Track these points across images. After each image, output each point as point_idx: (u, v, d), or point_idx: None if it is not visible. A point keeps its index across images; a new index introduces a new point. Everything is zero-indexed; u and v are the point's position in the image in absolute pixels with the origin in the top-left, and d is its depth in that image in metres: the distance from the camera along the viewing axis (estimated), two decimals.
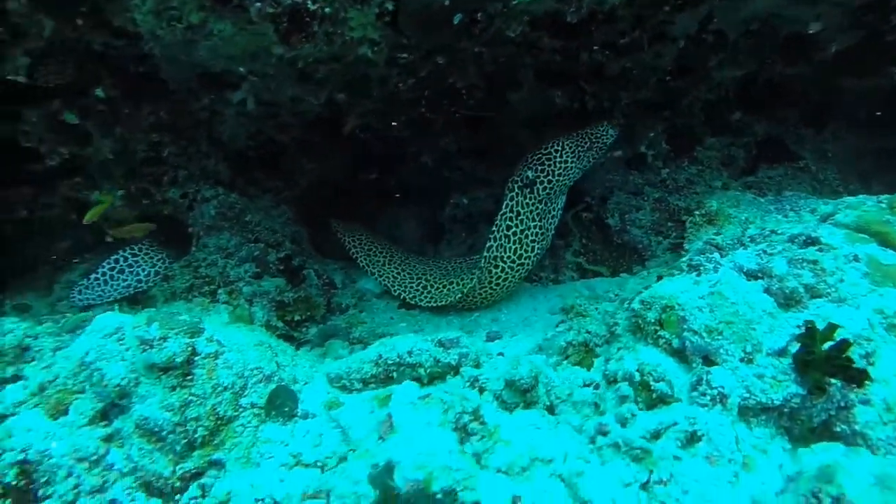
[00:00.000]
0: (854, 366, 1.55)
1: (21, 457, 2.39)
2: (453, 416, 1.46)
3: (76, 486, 2.37)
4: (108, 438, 2.44)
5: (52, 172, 3.22)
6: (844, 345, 1.56)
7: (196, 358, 2.36)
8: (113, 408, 2.50)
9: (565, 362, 2.30)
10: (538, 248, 3.04)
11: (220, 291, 3.21)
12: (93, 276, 3.41)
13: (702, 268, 2.03)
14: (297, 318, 3.12)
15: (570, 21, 2.31)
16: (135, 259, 3.42)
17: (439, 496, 1.25)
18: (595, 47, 2.76)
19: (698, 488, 1.46)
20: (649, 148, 3.20)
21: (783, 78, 2.99)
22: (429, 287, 3.22)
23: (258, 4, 1.86)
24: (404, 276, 3.32)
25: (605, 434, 1.67)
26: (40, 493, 2.39)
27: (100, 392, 2.50)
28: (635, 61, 2.84)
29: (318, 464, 2.34)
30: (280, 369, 2.52)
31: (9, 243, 3.45)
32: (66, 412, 2.53)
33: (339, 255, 3.79)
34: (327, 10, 1.89)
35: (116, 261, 3.41)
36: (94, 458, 2.39)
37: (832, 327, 1.62)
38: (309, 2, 1.85)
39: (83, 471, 2.39)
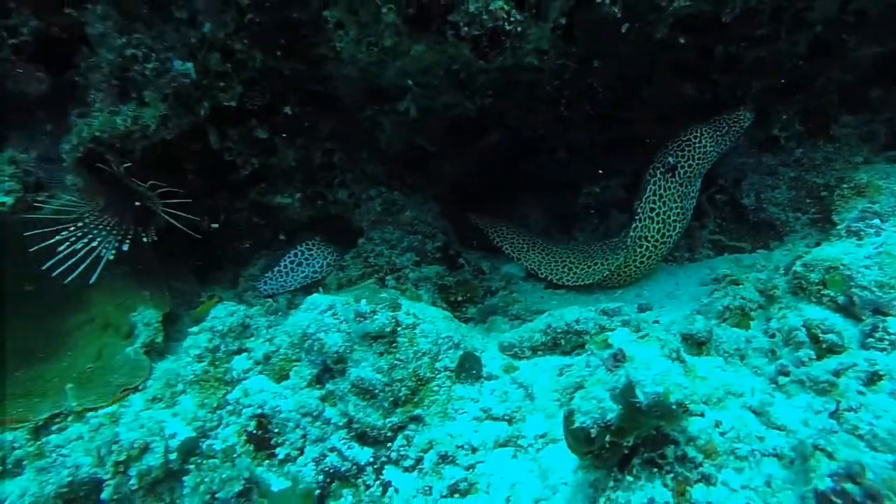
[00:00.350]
0: None
1: (258, 411, 2.92)
2: (668, 350, 1.78)
3: (303, 436, 2.88)
4: (323, 398, 2.93)
5: (244, 180, 3.81)
6: None
7: (399, 328, 2.80)
8: (325, 373, 3.00)
9: (724, 324, 2.57)
10: (679, 227, 3.31)
11: (387, 278, 3.68)
12: (276, 268, 3.98)
13: (862, 233, 2.25)
14: (458, 298, 3.54)
15: (725, 21, 2.57)
16: (310, 253, 3.96)
17: (674, 406, 1.58)
18: (724, 44, 3.00)
19: (890, 415, 1.70)
20: (782, 130, 3.38)
21: None
22: (574, 268, 3.55)
23: (466, 28, 2.26)
24: (549, 259, 3.67)
25: (786, 374, 1.94)
26: (273, 441, 2.92)
27: (314, 360, 3.00)
28: (770, 50, 3.05)
29: (506, 417, 2.73)
30: (464, 339, 2.93)
31: (206, 243, 4.07)
32: (287, 377, 3.06)
33: (479, 244, 4.19)
34: (519, 28, 2.27)
35: (295, 255, 3.95)
36: (315, 413, 2.88)
37: None
38: (506, 24, 2.22)
39: (308, 423, 2.89)
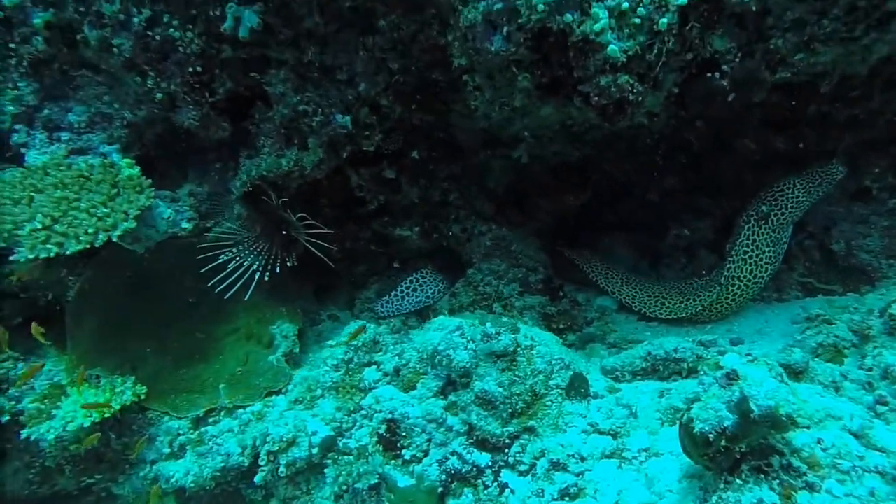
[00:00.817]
0: None
1: (389, 416, 3.37)
2: (775, 373, 2.12)
3: (428, 440, 3.30)
4: (447, 408, 3.35)
5: (370, 213, 4.35)
6: None
7: (519, 349, 3.21)
8: (448, 386, 3.43)
9: (817, 360, 2.85)
10: (771, 270, 3.60)
11: (495, 305, 4.11)
12: (393, 293, 4.48)
13: None
14: (560, 326, 3.93)
15: (823, 91, 2.92)
16: (424, 280, 4.45)
17: (784, 418, 1.91)
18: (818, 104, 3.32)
19: None
20: (874, 182, 3.63)
21: None
22: (666, 302, 3.89)
23: (596, 98, 2.71)
24: (642, 293, 4.02)
25: (884, 404, 2.23)
26: (399, 443, 3.35)
27: (439, 373, 3.44)
28: (863, 108, 3.35)
29: (611, 431, 3.07)
30: (574, 362, 3.31)
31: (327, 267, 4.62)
32: (414, 387, 3.51)
33: (572, 277, 4.57)
34: (640, 98, 2.69)
35: (411, 282, 4.45)
36: (440, 420, 3.30)
37: None
38: (630, 94, 2.66)
39: (433, 429, 3.31)
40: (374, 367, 3.71)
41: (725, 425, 2.02)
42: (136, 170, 3.59)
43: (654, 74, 2.74)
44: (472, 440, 3.23)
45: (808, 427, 2.12)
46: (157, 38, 3.33)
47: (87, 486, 3.68)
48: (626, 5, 2.56)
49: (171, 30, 3.29)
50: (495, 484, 3.11)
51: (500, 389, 3.15)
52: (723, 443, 2.05)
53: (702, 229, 4.25)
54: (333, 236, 4.18)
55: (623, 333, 3.87)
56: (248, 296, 3.81)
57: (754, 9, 2.51)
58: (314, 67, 3.42)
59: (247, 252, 3.90)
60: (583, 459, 2.99)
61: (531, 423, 3.17)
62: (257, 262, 3.88)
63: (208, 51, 3.36)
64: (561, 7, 2.58)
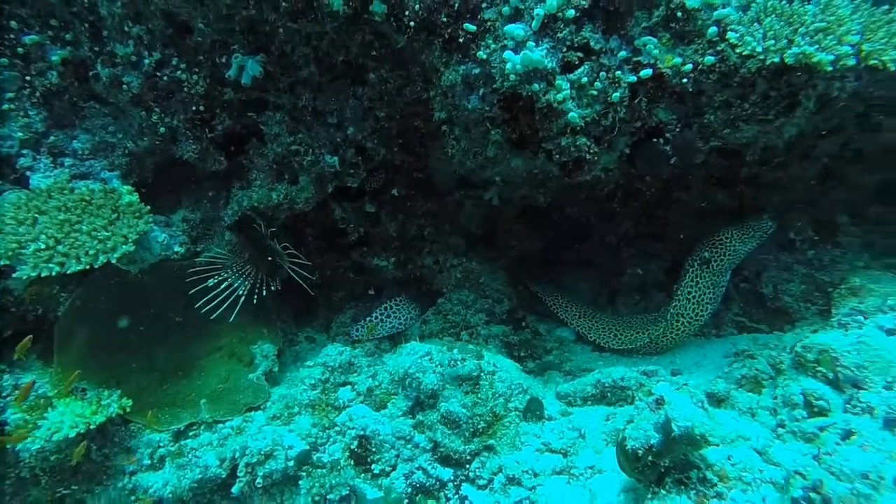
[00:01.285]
0: None
1: (361, 432, 3.65)
2: (696, 400, 2.51)
3: (396, 455, 3.59)
4: (415, 426, 3.66)
5: (350, 244, 4.69)
6: None
7: (482, 373, 3.56)
8: (416, 406, 3.74)
9: (741, 389, 3.27)
10: (710, 309, 4.05)
11: (462, 333, 4.46)
12: (368, 319, 4.80)
13: (848, 325, 2.96)
14: (521, 354, 4.29)
15: (749, 159, 3.39)
16: (397, 307, 4.78)
17: (698, 437, 2.30)
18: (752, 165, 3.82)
19: (859, 459, 2.38)
20: (797, 234, 4.14)
21: None
22: (618, 334, 4.29)
23: (557, 156, 3.13)
24: (597, 325, 4.42)
25: (783, 427, 2.64)
26: (369, 458, 3.63)
27: (409, 394, 3.75)
28: (785, 173, 3.85)
29: (562, 450, 3.43)
30: (531, 387, 3.67)
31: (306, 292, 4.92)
32: (385, 407, 3.81)
33: (536, 310, 4.96)
34: (596, 157, 3.12)
35: (385, 308, 4.77)
36: (408, 437, 3.60)
37: None
38: (587, 154, 3.09)
39: (401, 445, 3.61)
40: (348, 387, 4.00)
41: (652, 443, 2.40)
42: (136, 196, 3.86)
43: (608, 138, 3.18)
44: (436, 456, 3.54)
45: (718, 445, 2.51)
46: (165, 78, 3.66)
47: (60, 498, 3.77)
48: (585, 80, 3.00)
49: (179, 72, 3.62)
50: (456, 496, 3.42)
51: (464, 410, 3.48)
52: (650, 458, 2.42)
53: (653, 270, 4.70)
54: (313, 266, 4.51)
55: (578, 362, 4.25)
56: (232, 317, 4.07)
57: (690, 90, 2.97)
58: (307, 111, 3.78)
59: (234, 276, 4.18)
60: (536, 475, 3.33)
61: (491, 441, 3.50)
62: (243, 286, 4.16)
63: (212, 92, 3.70)
64: (530, 77, 3.00)
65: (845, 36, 2.45)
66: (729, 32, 2.67)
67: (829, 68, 2.49)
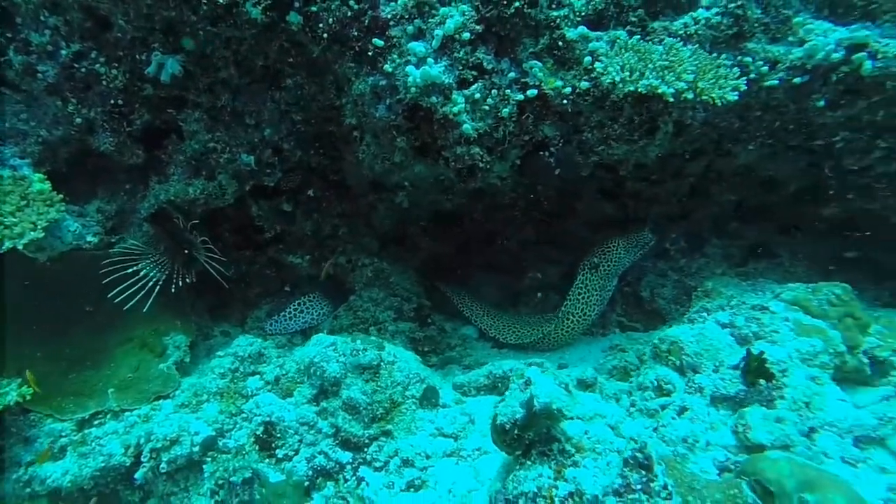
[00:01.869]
0: (770, 371, 2.91)
1: (267, 419, 3.83)
2: (559, 382, 2.87)
3: (300, 440, 3.79)
4: (319, 413, 3.86)
5: (267, 241, 4.86)
6: (762, 360, 2.93)
7: (382, 363, 3.82)
8: (321, 394, 3.96)
9: (612, 379, 3.69)
10: (597, 310, 4.49)
11: (371, 329, 4.71)
12: (282, 313, 4.97)
13: (695, 321, 3.43)
14: (425, 349, 4.59)
15: (623, 174, 3.84)
16: (310, 303, 4.98)
17: (555, 412, 2.65)
18: (634, 181, 4.30)
19: (688, 430, 2.81)
20: (672, 245, 4.66)
21: (765, 203, 4.45)
22: (516, 331, 4.67)
23: (453, 163, 3.46)
24: (498, 323, 4.79)
25: (633, 406, 3.04)
26: (274, 444, 3.81)
27: (314, 383, 3.96)
28: (662, 189, 4.35)
29: (453, 434, 3.72)
30: (428, 377, 3.96)
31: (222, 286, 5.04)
32: (292, 395, 4.00)
33: (445, 310, 5.28)
34: (488, 166, 3.48)
35: (299, 304, 4.96)
36: (311, 423, 3.81)
37: (761, 354, 3.00)
38: (480, 163, 3.44)
39: (304, 431, 3.81)
40: (257, 376, 4.17)
41: (517, 417, 2.74)
42: (47, 185, 3.91)
43: (500, 149, 3.54)
44: (337, 441, 3.75)
45: (576, 420, 2.88)
46: (83, 70, 3.76)
47: None
48: (478, 96, 3.35)
49: (98, 65, 3.73)
50: (354, 478, 3.64)
51: (364, 397, 3.72)
52: (516, 431, 2.76)
53: (551, 274, 5.12)
54: (229, 260, 4.65)
55: (477, 357, 4.59)
56: (145, 308, 4.16)
57: (570, 110, 3.37)
58: (226, 111, 3.97)
59: (148, 267, 4.27)
60: (428, 457, 3.61)
61: (389, 426, 3.75)
62: (157, 277, 4.25)
63: (131, 87, 3.82)
64: (429, 91, 3.33)
65: (683, 74, 2.91)
66: (597, 63, 3.09)
67: (671, 99, 2.95)
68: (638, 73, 2.94)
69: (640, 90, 2.94)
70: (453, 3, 3.33)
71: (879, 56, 3.14)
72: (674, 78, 2.90)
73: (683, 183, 4.30)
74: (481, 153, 3.48)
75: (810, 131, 3.63)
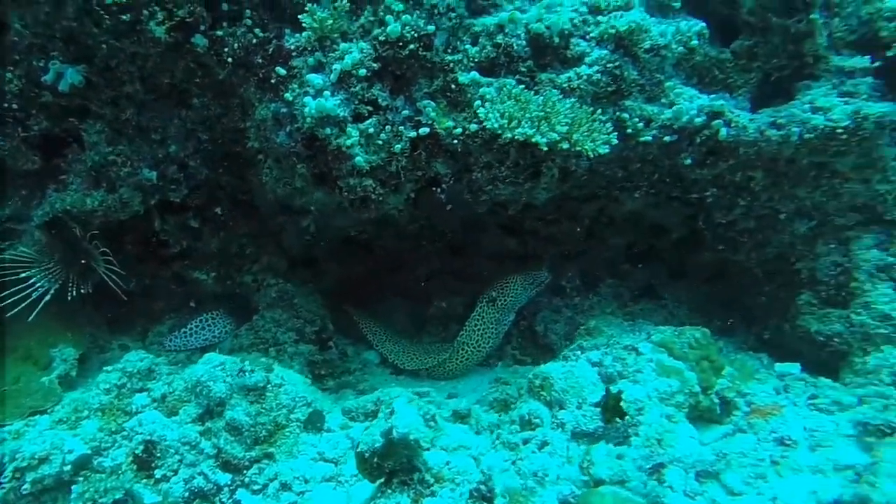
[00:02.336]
0: (623, 410, 3.09)
1: (148, 437, 3.77)
2: (423, 413, 2.96)
3: (180, 460, 3.75)
4: (202, 432, 3.84)
5: (172, 256, 4.82)
6: (618, 399, 3.11)
7: (269, 385, 3.83)
8: (206, 414, 3.93)
9: (491, 410, 3.82)
10: (492, 343, 4.65)
11: (270, 349, 4.71)
12: (182, 329, 4.91)
13: (569, 358, 3.61)
14: (322, 372, 4.62)
15: (511, 213, 4.03)
16: (213, 321, 4.94)
17: (412, 442, 2.74)
18: (533, 220, 4.51)
19: (541, 464, 2.94)
20: (567, 282, 4.88)
21: (653, 247, 4.72)
22: (414, 357, 4.77)
23: (346, 193, 3.56)
24: (397, 349, 4.87)
25: (498, 438, 3.17)
26: (154, 463, 3.76)
27: (201, 402, 3.93)
28: (558, 229, 4.57)
29: (334, 459, 3.76)
30: (316, 401, 3.99)
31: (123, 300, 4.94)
32: (177, 413, 3.96)
33: (351, 334, 5.34)
34: (381, 198, 3.59)
35: (201, 321, 4.92)
36: (194, 443, 3.77)
37: (619, 393, 3.18)
38: (372, 194, 3.55)
39: (186, 451, 3.77)
40: (145, 393, 4.10)
41: (376, 447, 2.81)
42: None
43: (394, 182, 3.67)
44: (218, 462, 3.72)
45: (444, 450, 2.98)
46: None
47: None
48: (371, 130, 3.47)
49: None
50: (230, 500, 3.62)
51: (248, 418, 3.72)
52: (375, 460, 2.83)
53: (455, 304, 5.26)
54: (131, 274, 4.59)
55: (373, 382, 4.65)
56: (31, 317, 4.05)
57: (460, 150, 3.54)
58: (130, 125, 3.96)
59: (38, 276, 4.17)
60: (306, 482, 3.62)
61: (271, 449, 3.75)
62: (46, 287, 4.16)
63: (27, 93, 3.77)
64: (323, 122, 3.43)
65: (557, 125, 3.11)
66: (480, 109, 3.27)
67: (545, 148, 3.15)
68: (515, 122, 3.13)
69: (516, 137, 3.12)
70: (354, 41, 3.47)
71: (732, 124, 3.44)
72: (547, 128, 3.10)
73: (579, 224, 4.53)
74: (374, 185, 3.59)
75: (684, 185, 3.91)
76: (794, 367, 3.91)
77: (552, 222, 4.51)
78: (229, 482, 3.66)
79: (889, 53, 3.44)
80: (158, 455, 3.72)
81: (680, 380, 3.50)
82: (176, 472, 3.70)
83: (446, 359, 4.62)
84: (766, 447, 3.24)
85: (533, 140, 3.10)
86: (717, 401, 3.58)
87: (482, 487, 2.60)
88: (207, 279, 4.89)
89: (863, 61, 3.52)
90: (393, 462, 2.85)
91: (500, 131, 3.15)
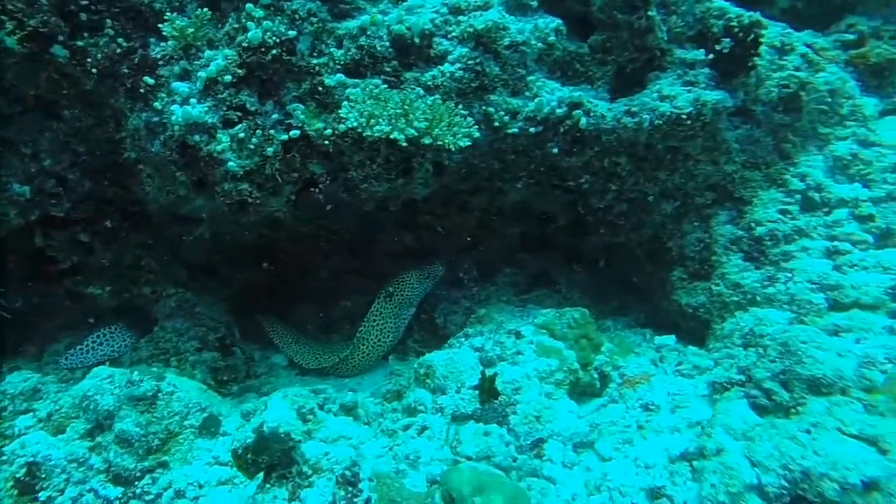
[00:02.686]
0: (498, 390, 3.25)
1: (31, 459, 3.70)
2: (299, 409, 3.03)
3: (66, 479, 3.68)
4: (92, 448, 3.79)
5: (63, 272, 4.70)
6: (492, 380, 3.26)
7: (160, 394, 3.81)
8: (96, 428, 3.88)
9: (384, 402, 3.92)
10: (392, 337, 4.74)
11: (171, 359, 4.67)
12: (78, 346, 4.80)
13: (453, 346, 3.75)
14: (225, 378, 4.61)
15: (392, 209, 4.13)
16: (112, 335, 4.85)
17: (282, 436, 2.80)
18: (424, 215, 4.63)
19: (415, 448, 3.06)
20: (465, 274, 5.03)
21: (544, 235, 4.92)
22: (317, 357, 4.82)
23: (222, 198, 3.58)
24: (302, 349, 4.92)
25: (381, 428, 3.27)
26: (38, 486, 3.68)
27: (90, 417, 3.88)
28: (450, 222, 4.71)
29: (229, 462, 3.78)
30: (211, 405, 3.99)
31: (14, 321, 4.81)
32: (64, 431, 3.89)
33: (260, 339, 5.34)
34: (259, 201, 3.64)
35: (98, 336, 4.82)
36: (82, 459, 3.72)
37: (494, 375, 3.34)
38: (249, 198, 3.59)
39: (73, 469, 3.71)
40: (30, 414, 4.01)
41: (248, 443, 2.87)
42: None
43: (271, 185, 3.71)
44: (109, 476, 3.68)
45: (324, 442, 3.06)
46: None
47: None
48: (242, 135, 3.51)
49: None
50: None
51: (138, 429, 3.69)
52: (249, 456, 2.89)
53: (360, 303, 5.33)
54: (12, 291, 4.46)
55: (277, 385, 4.68)
56: None
57: (331, 150, 3.61)
58: None
59: None
60: (201, 487, 3.63)
61: (164, 457, 3.74)
62: None
63: None
64: (192, 130, 3.45)
65: (415, 121, 3.23)
66: (341, 109, 3.36)
67: (404, 144, 3.27)
68: (374, 120, 3.23)
69: (375, 135, 3.23)
70: (220, 48, 3.50)
71: (591, 114, 3.65)
72: (405, 125, 3.21)
73: (470, 216, 4.67)
74: (250, 189, 3.63)
75: (559, 174, 4.11)
76: (670, 339, 4.18)
77: (443, 216, 4.64)
78: (120, 495, 3.63)
79: (717, 47, 3.72)
80: (43, 476, 3.64)
81: (559, 358, 3.69)
82: (62, 491, 3.63)
83: (347, 356, 4.69)
84: (634, 414, 3.46)
85: (391, 136, 3.21)
86: (595, 376, 3.78)
87: (347, 473, 2.69)
88: (103, 293, 4.79)
89: (699, 54, 3.79)
90: (268, 456, 2.92)
91: (360, 129, 3.24)
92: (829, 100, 4.21)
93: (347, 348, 4.75)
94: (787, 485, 2.58)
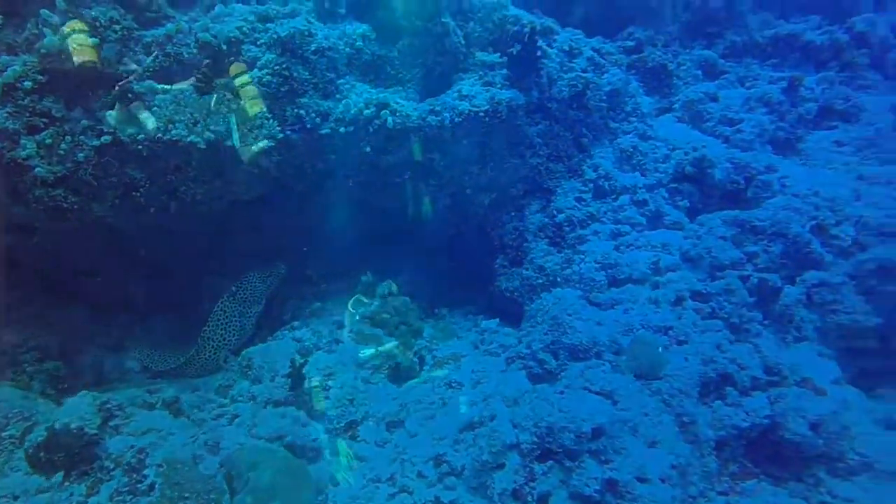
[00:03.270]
0: (303, 376, 3.45)
1: None
2: (100, 403, 3.13)
3: None
4: None
5: None
6: (300, 368, 3.46)
7: None
8: None
9: (216, 395, 4.06)
10: (237, 336, 4.85)
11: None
12: None
13: (276, 338, 3.94)
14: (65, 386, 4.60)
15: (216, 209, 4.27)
16: None
17: (75, 431, 2.90)
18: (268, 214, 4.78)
19: (219, 435, 3.21)
20: (313, 271, 5.22)
21: (394, 230, 5.16)
22: (164, 359, 4.87)
23: (35, 205, 3.62)
24: (154, 354, 4.95)
25: (189, 419, 3.41)
26: None
27: None
28: (296, 222, 4.88)
29: None
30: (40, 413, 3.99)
31: None
32: None
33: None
34: (79, 206, 3.69)
35: None
36: None
37: (301, 364, 3.54)
38: (65, 203, 3.64)
39: None
40: None
41: (39, 440, 2.94)
42: None
43: (89, 190, 3.77)
44: None
45: (132, 436, 3.17)
46: None
47: None
48: (49, 141, 3.56)
49: None
50: None
51: None
52: (41, 454, 2.96)
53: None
54: None
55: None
56: None
57: (146, 154, 3.71)
58: None
59: None
60: (16, 498, 3.64)
61: None
62: None
63: None
64: None
65: (212, 125, 3.41)
66: (143, 114, 3.49)
67: (203, 146, 3.44)
68: (172, 125, 3.37)
69: (171, 139, 3.36)
70: (20, 54, 3.54)
71: (397, 114, 3.91)
72: (202, 128, 3.37)
73: (313, 213, 4.86)
74: (65, 194, 3.68)
75: (381, 171, 4.35)
76: (493, 323, 4.50)
77: (291, 215, 4.80)
78: None
79: (510, 50, 4.07)
80: None
81: (378, 344, 3.93)
82: None
83: (193, 355, 4.76)
84: (438, 392, 3.74)
85: (188, 140, 3.36)
86: (416, 360, 4.04)
87: (133, 461, 2.82)
88: None
89: (496, 57, 4.13)
90: (64, 454, 3.00)
91: (159, 134, 3.37)
92: (613, 98, 4.66)
93: (192, 349, 4.82)
94: (537, 440, 2.90)
